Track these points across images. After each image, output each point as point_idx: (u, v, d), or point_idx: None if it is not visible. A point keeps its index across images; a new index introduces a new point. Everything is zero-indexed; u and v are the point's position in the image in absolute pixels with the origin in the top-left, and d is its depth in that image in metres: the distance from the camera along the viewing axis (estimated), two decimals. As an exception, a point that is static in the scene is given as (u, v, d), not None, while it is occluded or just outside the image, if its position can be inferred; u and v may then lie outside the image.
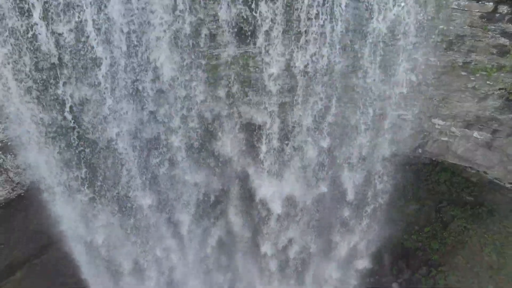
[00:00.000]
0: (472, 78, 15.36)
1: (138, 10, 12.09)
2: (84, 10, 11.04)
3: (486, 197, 20.02)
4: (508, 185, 18.66)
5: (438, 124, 17.55)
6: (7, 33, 11.04)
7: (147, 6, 12.17)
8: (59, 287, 20.56)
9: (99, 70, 12.43)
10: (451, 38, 14.28)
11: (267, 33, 13.22)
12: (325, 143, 16.68)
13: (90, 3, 11.03)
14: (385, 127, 16.77)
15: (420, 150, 19.16)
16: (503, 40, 13.98)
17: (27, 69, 11.90)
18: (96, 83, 12.74)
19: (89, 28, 11.37)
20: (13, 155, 15.69)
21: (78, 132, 13.88)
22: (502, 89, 15.35)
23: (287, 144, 16.72)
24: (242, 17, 12.99)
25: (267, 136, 16.44)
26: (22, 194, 16.86)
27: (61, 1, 10.77)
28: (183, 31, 12.99)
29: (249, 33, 13.37)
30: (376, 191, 18.93)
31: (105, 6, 11.29)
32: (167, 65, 13.70)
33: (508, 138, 16.67)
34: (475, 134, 17.15)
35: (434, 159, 19.94)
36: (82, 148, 14.34)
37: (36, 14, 10.81)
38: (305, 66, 14.07)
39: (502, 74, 14.84)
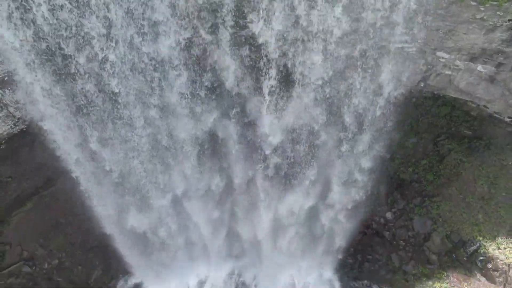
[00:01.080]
0: (481, 9, 14.71)
1: None
2: None
3: (484, 131, 20.14)
4: (507, 119, 18.70)
5: (443, 57, 17.15)
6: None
7: None
8: (67, 216, 21.57)
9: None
10: (463, -36, 13.46)
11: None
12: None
13: None
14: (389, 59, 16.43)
15: (422, 84, 18.94)
16: (518, -34, 13.18)
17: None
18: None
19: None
20: (11, 90, 15.63)
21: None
22: (511, 20, 14.75)
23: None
24: None
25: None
26: (25, 129, 17.05)
27: None
28: None
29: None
30: (375, 122, 19.01)
31: None
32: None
33: (512, 71, 16.40)
34: (479, 67, 16.82)
35: (435, 93, 19.76)
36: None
37: None
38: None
39: (513, 4, 14.20)
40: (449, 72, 17.62)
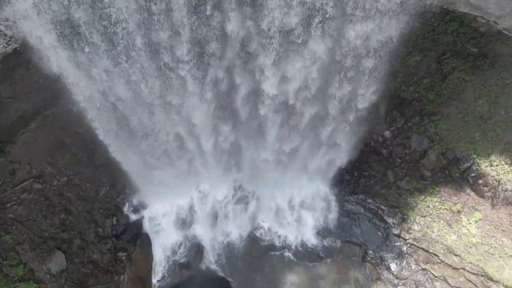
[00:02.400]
0: None
1: None
2: None
3: (491, 48, 19.56)
4: (516, 36, 18.09)
5: (455, -32, 16.01)
6: None
7: None
8: (72, 136, 22.05)
9: None
10: None
11: None
12: None
13: None
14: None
15: (431, -2, 17.94)
16: None
17: None
18: None
19: None
20: (-2, 7, 14.90)
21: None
22: None
23: None
24: None
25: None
26: (18, 48, 16.61)
27: None
28: None
29: None
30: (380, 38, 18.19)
31: None
32: None
33: (528, -16, 15.39)
34: (493, -21, 15.79)
35: (444, 7, 18.80)
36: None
37: None
38: None
39: None
40: (461, -15, 16.60)
